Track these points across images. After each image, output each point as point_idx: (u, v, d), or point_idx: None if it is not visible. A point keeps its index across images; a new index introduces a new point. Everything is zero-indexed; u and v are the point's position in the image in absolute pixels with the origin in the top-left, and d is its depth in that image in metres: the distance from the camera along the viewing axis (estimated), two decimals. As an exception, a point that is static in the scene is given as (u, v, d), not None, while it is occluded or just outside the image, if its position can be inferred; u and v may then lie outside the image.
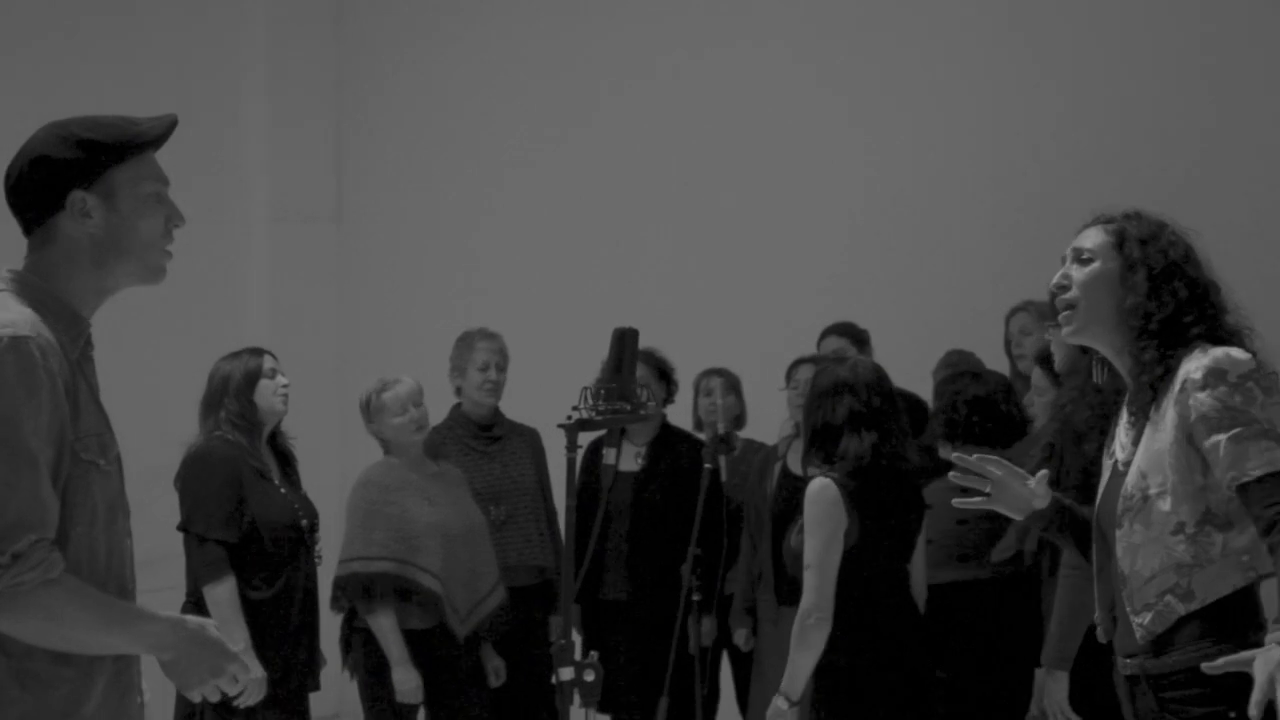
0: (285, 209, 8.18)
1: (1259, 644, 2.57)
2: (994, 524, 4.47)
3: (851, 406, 4.19)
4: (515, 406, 5.74)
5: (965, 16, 6.53)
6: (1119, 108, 6.09)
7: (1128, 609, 2.78)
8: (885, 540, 4.19)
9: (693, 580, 5.23)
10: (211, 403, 4.80)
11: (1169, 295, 2.79)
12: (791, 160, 6.84)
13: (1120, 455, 2.87)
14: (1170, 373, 2.75)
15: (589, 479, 5.61)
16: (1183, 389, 2.70)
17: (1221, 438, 2.64)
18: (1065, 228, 3.01)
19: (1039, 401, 4.71)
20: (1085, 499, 3.15)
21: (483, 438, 5.64)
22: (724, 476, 5.61)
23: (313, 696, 4.93)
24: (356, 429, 5.56)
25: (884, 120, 6.69)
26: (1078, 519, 3.07)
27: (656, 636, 5.41)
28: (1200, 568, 2.70)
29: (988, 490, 3.04)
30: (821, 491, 4.11)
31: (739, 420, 5.87)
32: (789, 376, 5.56)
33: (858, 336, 5.81)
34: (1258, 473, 2.62)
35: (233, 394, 4.76)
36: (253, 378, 4.79)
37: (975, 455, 3.11)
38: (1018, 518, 3.08)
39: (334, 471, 7.03)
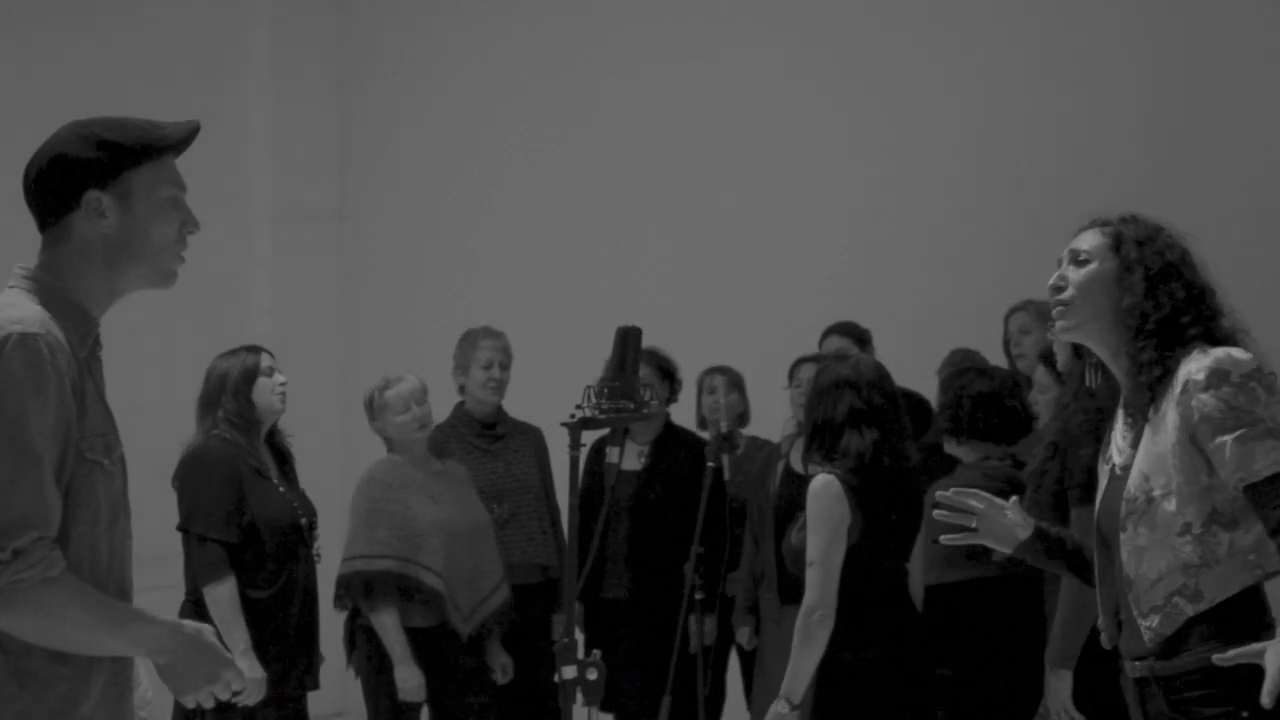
0: (288, 208, 8.19)
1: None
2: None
3: (853, 404, 4.20)
4: (518, 405, 5.75)
5: (965, 18, 6.53)
6: (1119, 107, 6.10)
7: (1134, 612, 2.77)
8: (886, 538, 4.19)
9: (696, 579, 5.23)
10: (209, 401, 4.79)
11: (1166, 296, 2.78)
12: (792, 160, 6.84)
13: (1118, 459, 2.86)
14: (1168, 374, 2.74)
15: (592, 477, 5.61)
16: (1184, 390, 2.69)
17: (1227, 439, 2.64)
18: (1065, 227, 3.02)
19: (1042, 399, 4.71)
20: (1089, 498, 3.15)
21: (486, 436, 5.64)
22: (727, 475, 5.60)
23: (315, 695, 4.93)
24: (359, 427, 5.57)
25: (884, 120, 6.70)
26: (1065, 544, 3.08)
27: (658, 635, 5.41)
28: (1208, 568, 2.69)
29: (973, 525, 3.06)
30: (825, 488, 4.12)
31: (742, 418, 5.87)
32: (791, 375, 5.57)
33: (859, 336, 5.81)
34: (1266, 473, 2.62)
35: (230, 392, 4.75)
36: (250, 376, 4.77)
37: (953, 490, 3.12)
38: (1006, 550, 3.08)
39: (337, 469, 7.04)
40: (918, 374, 5.45)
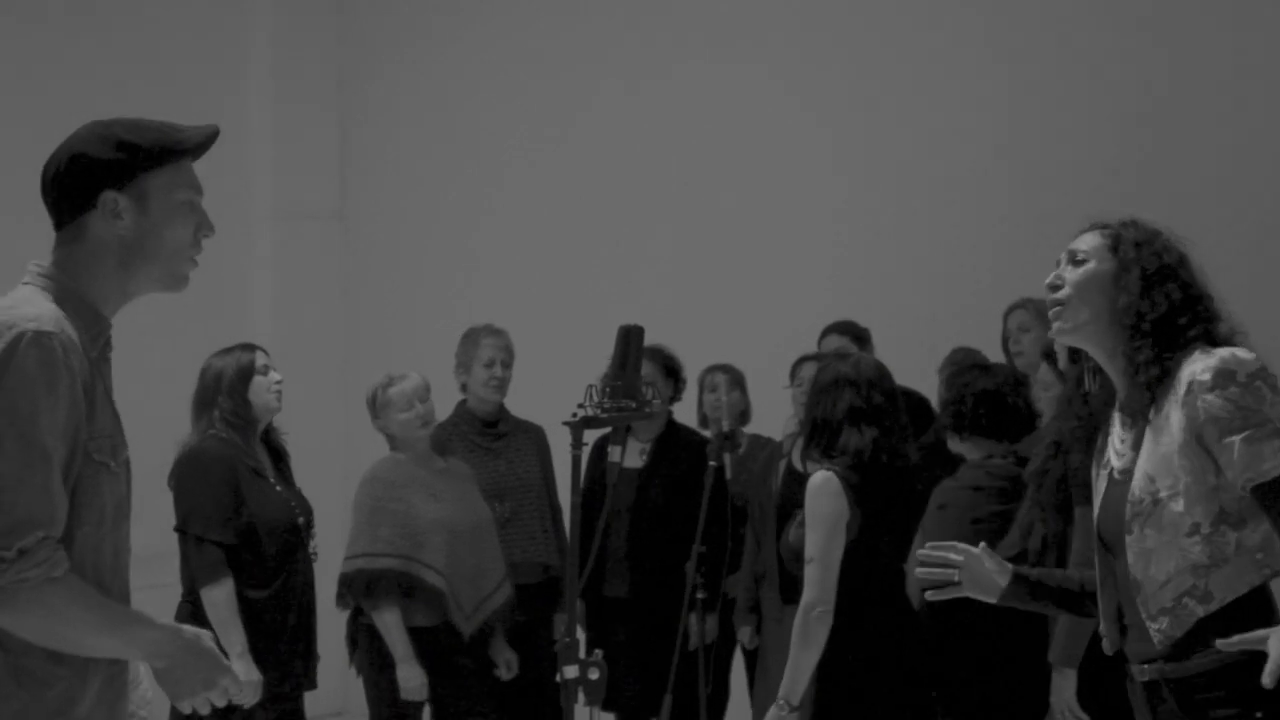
0: (288, 207, 8.20)
1: None
2: (1008, 524, 4.47)
3: (852, 401, 4.20)
4: (520, 404, 5.75)
5: (963, 16, 6.53)
6: (1118, 106, 6.10)
7: (1143, 615, 2.76)
8: (885, 536, 4.19)
9: (697, 578, 5.24)
10: (204, 401, 4.77)
11: (1162, 296, 2.78)
12: (792, 158, 6.85)
13: (1117, 463, 2.85)
14: (1168, 375, 2.74)
15: (594, 476, 5.61)
16: (1189, 390, 2.68)
17: (1235, 439, 2.63)
18: (1064, 225, 3.02)
19: (1045, 396, 4.71)
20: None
21: (488, 434, 5.64)
22: (729, 474, 5.60)
23: (315, 694, 4.93)
24: (360, 425, 5.57)
25: (884, 119, 6.70)
26: (1047, 583, 3.07)
27: (660, 634, 5.41)
28: (1216, 568, 2.68)
29: (957, 579, 3.07)
30: (824, 484, 4.12)
31: (744, 416, 5.87)
32: (793, 374, 5.57)
33: (858, 334, 5.81)
34: (1274, 473, 2.62)
35: (226, 391, 4.73)
36: (246, 374, 4.76)
37: (930, 545, 3.12)
38: (992, 600, 3.08)
39: (338, 468, 7.05)
40: (918, 373, 5.46)
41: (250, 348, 4.85)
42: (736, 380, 5.90)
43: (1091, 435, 3.00)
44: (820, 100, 6.85)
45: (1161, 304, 2.78)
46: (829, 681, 4.10)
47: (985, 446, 4.58)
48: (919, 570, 3.13)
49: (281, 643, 4.71)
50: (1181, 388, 2.70)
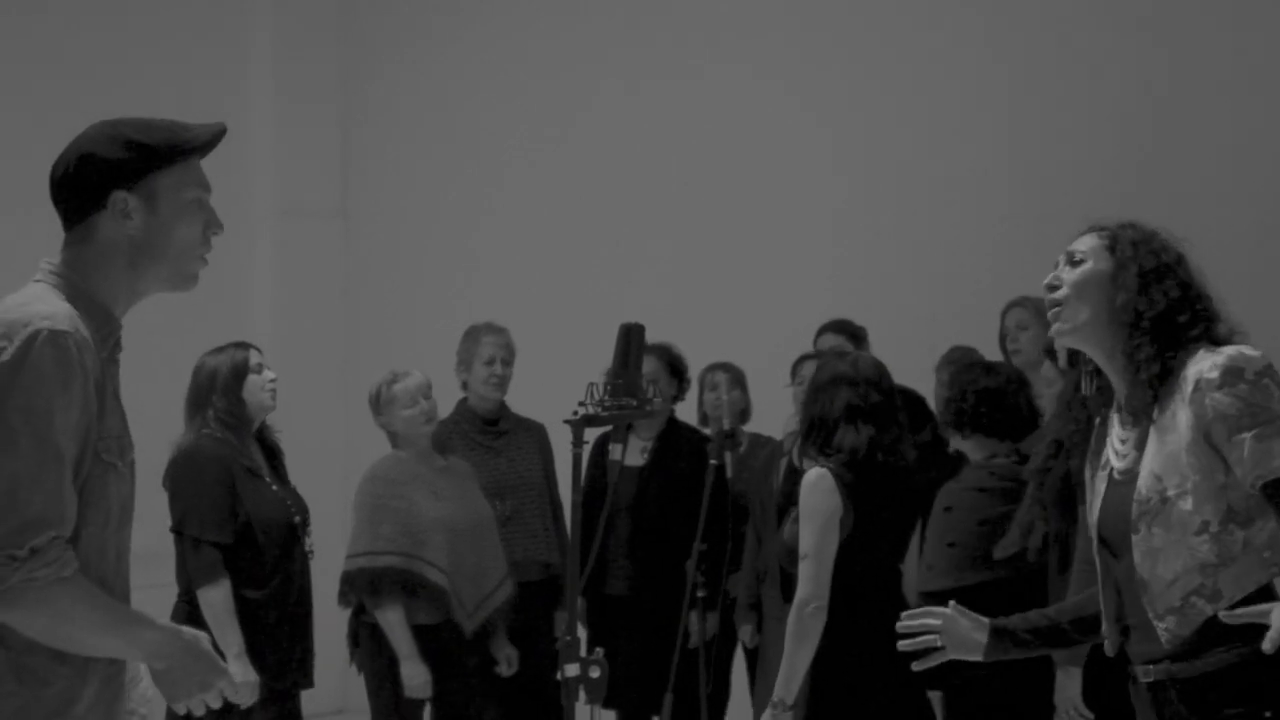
0: (290, 204, 8.21)
1: None
2: (1013, 525, 4.47)
3: (849, 399, 4.20)
4: (521, 402, 5.75)
5: (963, 16, 6.54)
6: (1118, 106, 6.10)
7: (1149, 615, 2.75)
8: (880, 535, 4.20)
9: (698, 576, 5.24)
10: (198, 400, 4.74)
11: (1160, 294, 2.78)
12: (792, 157, 6.85)
13: (1118, 464, 2.84)
14: (1170, 374, 2.73)
15: (595, 474, 5.62)
16: (1197, 388, 2.67)
17: (1245, 436, 2.62)
18: (1063, 224, 3.03)
19: (1047, 393, 4.71)
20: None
21: (489, 432, 5.64)
22: (729, 472, 5.61)
23: (315, 692, 4.93)
24: (360, 424, 5.57)
25: (884, 120, 6.70)
26: (1033, 627, 3.05)
27: (661, 632, 5.42)
28: (1225, 566, 2.67)
29: (940, 645, 3.06)
30: (818, 481, 4.12)
31: (744, 414, 5.88)
32: (794, 373, 5.57)
33: (854, 333, 5.81)
34: None
35: (220, 390, 4.70)
36: (240, 373, 4.72)
37: (907, 615, 3.11)
38: (977, 658, 3.06)
39: (338, 467, 7.05)
40: (918, 372, 5.46)
41: (244, 346, 4.82)
42: (737, 379, 5.90)
43: (1088, 440, 3.00)
44: (820, 100, 6.85)
45: (1160, 301, 2.78)
46: (823, 679, 4.10)
47: (987, 445, 4.58)
48: (900, 644, 3.10)
49: (278, 642, 4.69)
50: (1188, 386, 2.70)
